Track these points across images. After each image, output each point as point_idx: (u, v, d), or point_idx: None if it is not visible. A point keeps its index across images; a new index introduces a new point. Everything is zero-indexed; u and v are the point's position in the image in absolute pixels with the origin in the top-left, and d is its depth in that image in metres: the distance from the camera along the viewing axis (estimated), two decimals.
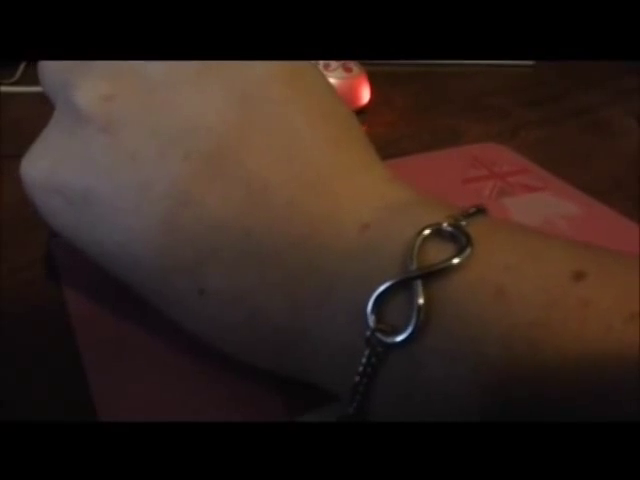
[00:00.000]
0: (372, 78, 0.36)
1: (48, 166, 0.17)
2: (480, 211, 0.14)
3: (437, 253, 0.13)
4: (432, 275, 0.13)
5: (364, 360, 0.13)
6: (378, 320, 0.13)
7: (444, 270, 0.13)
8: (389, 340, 0.13)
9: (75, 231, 0.17)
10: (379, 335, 0.13)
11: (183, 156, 0.15)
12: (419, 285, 0.13)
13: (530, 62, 0.46)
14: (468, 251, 0.13)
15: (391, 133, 0.35)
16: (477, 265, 0.13)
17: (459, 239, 0.13)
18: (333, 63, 0.35)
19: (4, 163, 0.27)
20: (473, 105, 0.39)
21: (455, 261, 0.13)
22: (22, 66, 0.37)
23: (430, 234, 0.14)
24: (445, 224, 0.14)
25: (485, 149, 0.31)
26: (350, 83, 0.35)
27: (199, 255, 0.15)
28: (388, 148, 0.33)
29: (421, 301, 0.13)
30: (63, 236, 0.18)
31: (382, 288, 0.13)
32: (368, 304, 0.13)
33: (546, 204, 0.27)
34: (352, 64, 0.35)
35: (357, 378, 0.13)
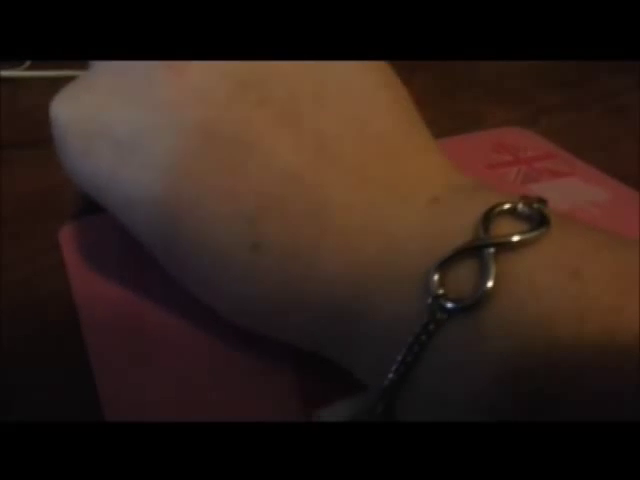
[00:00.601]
0: (390, 62, 0.35)
1: (93, 103, 0.16)
2: (542, 201, 0.14)
3: (511, 228, 0.13)
4: (506, 245, 0.12)
5: (419, 328, 0.12)
6: (441, 286, 0.12)
7: (519, 243, 0.12)
8: (452, 305, 0.12)
9: (113, 183, 0.15)
10: (442, 300, 0.12)
11: (256, 102, 0.14)
12: (491, 253, 0.12)
13: None
14: (544, 229, 0.12)
15: None
16: (553, 245, 0.12)
17: (534, 220, 0.13)
18: None
19: (14, 151, 0.27)
20: (494, 89, 0.38)
21: (532, 234, 0.12)
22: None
23: (504, 211, 0.13)
24: (521, 204, 0.13)
25: (508, 133, 0.30)
26: None
27: (262, 204, 0.14)
28: None
29: (493, 268, 0.12)
30: (92, 190, 0.16)
31: (450, 253, 0.13)
32: (432, 268, 0.13)
33: (574, 190, 0.26)
34: None
35: (407, 346, 0.12)
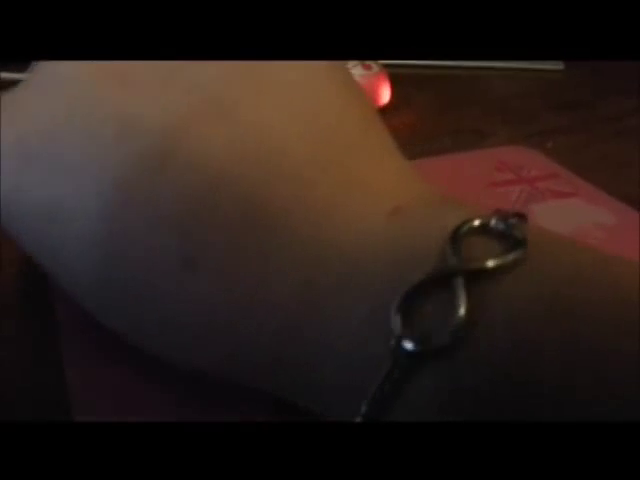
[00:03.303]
0: (392, 77, 0.35)
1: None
2: (520, 216, 0.12)
3: (484, 251, 0.11)
4: (479, 272, 0.10)
5: (383, 375, 0.10)
6: (406, 324, 0.10)
7: (493, 268, 0.10)
8: (419, 349, 0.10)
9: (17, 195, 0.13)
10: (407, 343, 0.10)
11: (185, 89, 0.12)
12: (461, 283, 0.10)
13: (560, 65, 0.44)
14: (521, 250, 0.11)
15: (411, 135, 0.33)
16: (532, 268, 0.11)
17: (508, 238, 0.11)
18: (351, 60, 0.33)
19: None
20: (499, 108, 0.37)
21: (507, 258, 0.10)
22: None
23: (475, 228, 0.11)
24: (494, 219, 0.11)
25: (512, 152, 0.30)
26: (369, 81, 0.33)
27: (192, 210, 0.12)
28: (407, 150, 0.31)
29: (464, 301, 0.10)
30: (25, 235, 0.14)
31: (414, 283, 0.11)
32: (394, 303, 0.11)
33: (578, 211, 0.25)
34: (372, 62, 0.34)
35: (371, 400, 0.10)
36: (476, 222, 0.11)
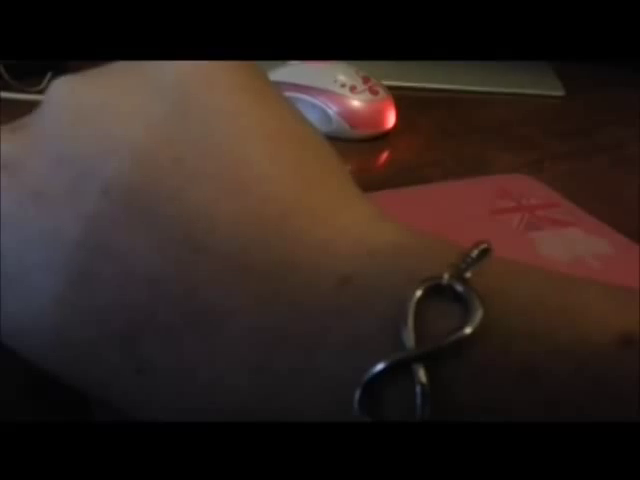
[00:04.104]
0: (397, 102, 0.35)
1: None
2: (484, 252, 0.11)
3: (439, 319, 0.10)
4: (436, 354, 0.10)
5: None
6: (369, 412, 0.10)
7: (451, 345, 0.10)
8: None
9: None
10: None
11: (100, 191, 0.12)
12: (420, 368, 0.10)
13: (560, 93, 0.45)
14: (479, 316, 0.10)
15: (415, 159, 0.34)
16: (492, 335, 0.10)
17: (464, 298, 0.10)
18: (359, 85, 0.34)
19: None
20: (501, 134, 0.38)
21: (466, 331, 0.10)
22: (48, 75, 0.37)
23: (428, 291, 0.11)
24: (446, 277, 0.11)
25: (513, 180, 0.30)
26: (376, 106, 0.34)
27: (130, 322, 0.12)
28: (411, 174, 0.32)
29: (420, 390, 0.10)
30: None
31: (372, 373, 0.10)
32: (355, 394, 0.10)
33: (577, 241, 0.26)
34: (379, 87, 0.35)
35: None
36: (419, 292, 0.11)
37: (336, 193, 0.13)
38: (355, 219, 0.13)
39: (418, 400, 0.10)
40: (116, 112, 0.13)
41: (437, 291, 0.11)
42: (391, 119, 0.35)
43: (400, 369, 0.10)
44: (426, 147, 0.36)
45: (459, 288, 0.11)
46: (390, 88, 0.36)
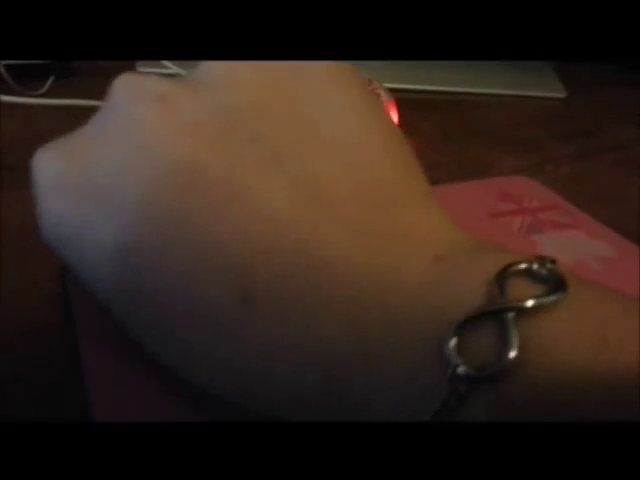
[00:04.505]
0: (399, 104, 0.35)
1: (75, 150, 0.15)
2: (553, 261, 0.13)
3: (529, 291, 0.12)
4: (527, 310, 0.11)
5: (438, 404, 0.11)
6: (460, 353, 0.11)
7: (540, 308, 0.11)
8: (475, 375, 0.11)
9: (81, 230, 0.14)
10: (461, 370, 0.11)
11: (249, 139, 0.14)
12: (512, 318, 0.11)
13: (562, 95, 0.45)
14: (563, 293, 0.11)
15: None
16: (574, 310, 0.11)
17: (549, 281, 0.12)
18: None
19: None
20: (503, 136, 0.38)
21: (552, 298, 0.11)
22: (51, 79, 0.37)
23: (518, 271, 0.12)
24: (535, 264, 0.12)
25: (515, 182, 0.30)
26: None
27: (249, 255, 0.13)
28: None
29: (516, 335, 0.11)
30: (60, 242, 0.15)
31: (466, 316, 0.11)
32: (448, 335, 0.11)
33: (578, 243, 0.26)
34: (380, 90, 0.35)
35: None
36: (521, 266, 0.12)
37: (427, 188, 0.16)
38: (444, 214, 0.15)
39: (510, 339, 0.11)
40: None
41: (526, 272, 0.12)
42: (393, 121, 0.35)
43: (490, 318, 0.11)
44: (428, 150, 0.36)
45: (545, 273, 0.12)
46: (392, 90, 0.36)
